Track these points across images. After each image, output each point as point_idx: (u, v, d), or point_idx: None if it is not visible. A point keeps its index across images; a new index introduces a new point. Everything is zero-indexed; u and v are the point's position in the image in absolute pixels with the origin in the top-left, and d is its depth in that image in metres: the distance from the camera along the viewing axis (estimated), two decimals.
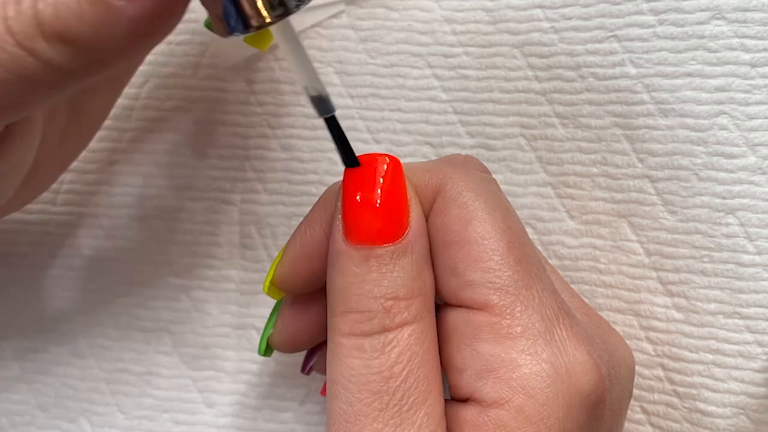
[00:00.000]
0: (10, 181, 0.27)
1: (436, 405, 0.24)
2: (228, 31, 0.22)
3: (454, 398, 0.25)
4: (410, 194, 0.25)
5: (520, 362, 0.24)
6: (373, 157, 0.25)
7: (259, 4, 0.21)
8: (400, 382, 0.24)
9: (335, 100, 0.33)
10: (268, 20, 0.22)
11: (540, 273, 0.25)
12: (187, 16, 0.34)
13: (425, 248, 0.25)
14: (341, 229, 0.24)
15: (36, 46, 0.21)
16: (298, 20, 0.33)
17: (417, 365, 0.24)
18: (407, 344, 0.24)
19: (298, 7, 0.22)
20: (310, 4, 0.32)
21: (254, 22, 0.22)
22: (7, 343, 0.35)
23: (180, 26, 0.34)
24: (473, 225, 0.25)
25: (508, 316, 0.24)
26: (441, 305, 0.26)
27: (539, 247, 0.32)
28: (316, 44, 0.33)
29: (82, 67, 0.21)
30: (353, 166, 0.25)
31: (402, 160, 0.32)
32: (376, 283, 0.24)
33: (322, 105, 0.24)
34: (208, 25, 0.25)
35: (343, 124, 0.33)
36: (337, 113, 0.33)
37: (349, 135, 0.33)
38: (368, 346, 0.24)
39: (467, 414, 0.24)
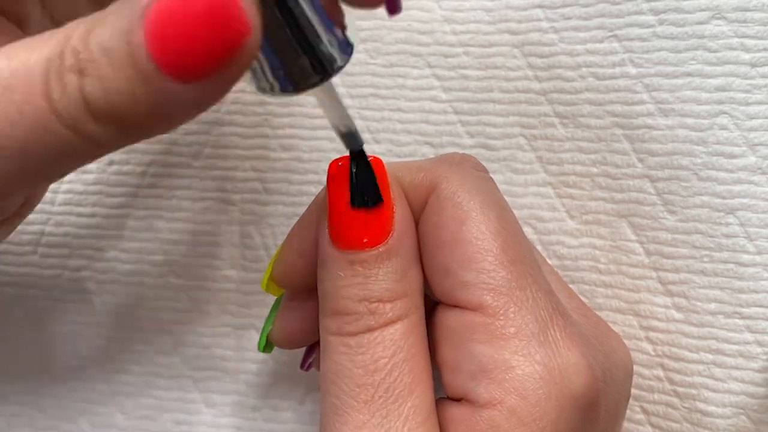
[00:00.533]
0: None
1: (424, 398, 0.24)
2: (274, 89, 0.22)
3: (448, 397, 0.25)
4: (395, 194, 0.25)
5: (513, 363, 0.24)
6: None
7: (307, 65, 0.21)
8: (384, 375, 0.24)
9: None
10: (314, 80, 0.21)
11: (535, 274, 0.25)
12: None
13: (412, 248, 0.25)
14: (327, 234, 0.25)
15: (85, 127, 0.20)
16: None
17: (402, 359, 0.24)
18: (392, 340, 0.24)
19: (338, 69, 0.22)
20: None
21: (302, 85, 0.21)
22: (4, 344, 0.35)
23: None
24: (467, 225, 0.25)
25: (501, 317, 0.24)
26: (436, 304, 0.26)
27: (539, 247, 0.32)
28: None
29: (126, 140, 0.21)
30: (376, 204, 0.25)
31: (402, 160, 0.33)
32: (361, 287, 0.24)
33: (354, 139, 0.24)
34: None
35: None
36: None
37: None
38: (354, 343, 0.24)
39: (460, 413, 0.24)
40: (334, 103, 0.23)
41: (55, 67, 0.20)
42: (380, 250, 0.25)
